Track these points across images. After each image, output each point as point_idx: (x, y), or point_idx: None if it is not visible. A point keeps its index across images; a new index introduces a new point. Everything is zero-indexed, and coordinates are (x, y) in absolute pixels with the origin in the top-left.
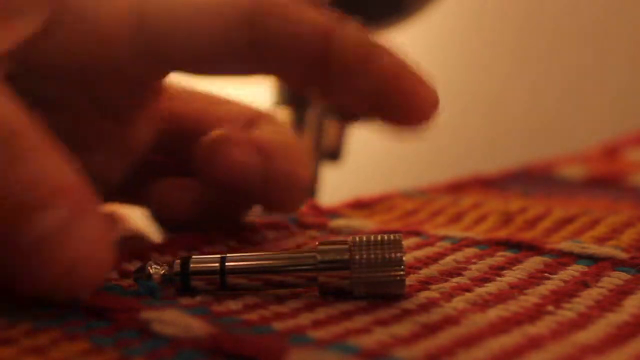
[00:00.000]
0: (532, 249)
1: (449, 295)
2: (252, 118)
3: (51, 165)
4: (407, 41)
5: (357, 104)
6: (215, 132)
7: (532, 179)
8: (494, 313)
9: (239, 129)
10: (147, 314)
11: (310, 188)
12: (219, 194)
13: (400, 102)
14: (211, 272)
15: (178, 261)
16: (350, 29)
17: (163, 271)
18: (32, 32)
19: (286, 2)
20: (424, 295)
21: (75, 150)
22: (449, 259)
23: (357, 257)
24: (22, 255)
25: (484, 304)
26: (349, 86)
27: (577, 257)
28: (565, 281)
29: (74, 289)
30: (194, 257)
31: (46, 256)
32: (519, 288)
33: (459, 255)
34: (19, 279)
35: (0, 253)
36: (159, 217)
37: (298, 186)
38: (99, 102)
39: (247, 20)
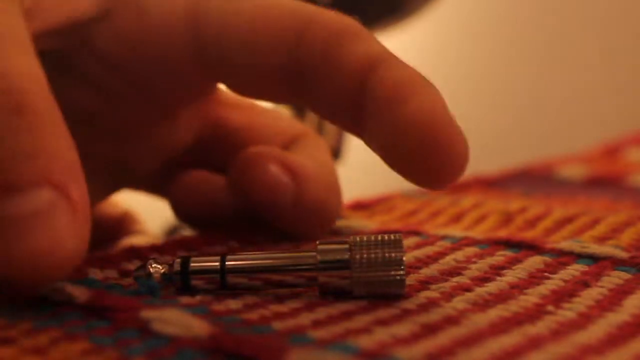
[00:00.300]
0: (532, 248)
1: (449, 295)
2: (295, 136)
3: (51, 147)
4: (407, 41)
5: (387, 149)
6: (254, 148)
7: (532, 179)
8: (494, 313)
9: (277, 148)
10: (147, 313)
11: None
12: (247, 206)
13: (429, 155)
14: (211, 271)
15: (178, 260)
16: (394, 66)
17: (163, 270)
18: (88, 13)
19: (337, 28)
20: (424, 295)
21: (110, 135)
22: (449, 258)
23: (357, 256)
24: (4, 231)
25: (484, 304)
26: (381, 129)
27: (577, 257)
28: (565, 281)
29: (35, 277)
30: (194, 256)
31: (14, 238)
32: (519, 288)
33: (459, 255)
34: None
35: None
36: (177, 208)
37: (327, 214)
38: (146, 93)
39: (294, 40)
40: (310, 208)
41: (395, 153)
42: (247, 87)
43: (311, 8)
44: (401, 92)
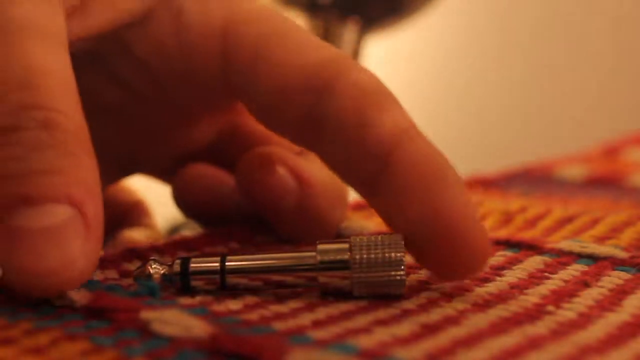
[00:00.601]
0: (532, 248)
1: (449, 296)
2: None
3: (74, 165)
4: (407, 41)
5: (400, 229)
6: (264, 148)
7: (532, 179)
8: (494, 313)
9: (288, 153)
10: (147, 314)
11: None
12: (251, 205)
13: (452, 254)
14: (211, 272)
15: (178, 261)
16: (420, 145)
17: (163, 271)
18: (129, 19)
19: (366, 89)
20: (424, 295)
21: (126, 127)
22: None
23: (357, 257)
24: (20, 242)
25: (484, 304)
26: (401, 212)
27: (577, 257)
28: (565, 281)
29: (42, 290)
30: (194, 257)
31: (26, 250)
32: (519, 288)
33: None
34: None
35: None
36: (178, 198)
37: (328, 224)
38: (171, 97)
39: (321, 92)
40: (312, 216)
41: (415, 240)
42: (266, 122)
43: (343, 59)
44: (426, 180)
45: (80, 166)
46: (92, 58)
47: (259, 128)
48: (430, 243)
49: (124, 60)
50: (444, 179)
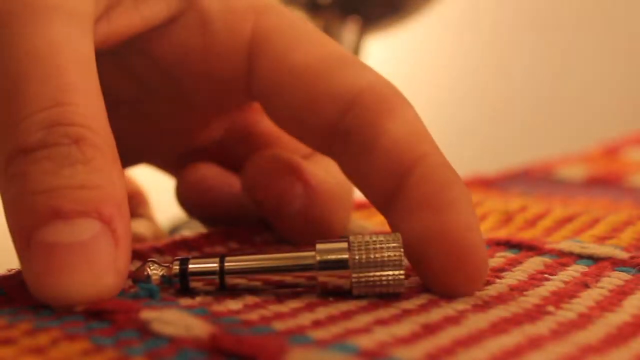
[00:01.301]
0: (532, 249)
1: (449, 296)
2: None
3: (104, 181)
4: (407, 41)
5: (411, 246)
6: (273, 151)
7: (532, 179)
8: (494, 313)
9: (297, 156)
10: (147, 314)
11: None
12: (255, 207)
13: (454, 271)
14: (210, 272)
15: (177, 262)
16: (434, 161)
17: (162, 272)
18: (155, 24)
19: (386, 105)
20: (424, 296)
21: (136, 118)
22: None
23: (356, 256)
24: (51, 256)
25: (484, 305)
26: (412, 228)
27: (577, 257)
28: (565, 282)
29: (82, 301)
30: (192, 257)
31: (55, 265)
32: (519, 289)
33: None
34: (40, 272)
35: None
36: (181, 197)
37: (331, 230)
38: (188, 97)
39: (343, 108)
40: (317, 220)
41: (420, 256)
42: (288, 129)
43: (364, 73)
44: (439, 199)
45: (109, 182)
46: (111, 54)
47: (269, 128)
48: (434, 259)
49: (142, 59)
50: (453, 200)
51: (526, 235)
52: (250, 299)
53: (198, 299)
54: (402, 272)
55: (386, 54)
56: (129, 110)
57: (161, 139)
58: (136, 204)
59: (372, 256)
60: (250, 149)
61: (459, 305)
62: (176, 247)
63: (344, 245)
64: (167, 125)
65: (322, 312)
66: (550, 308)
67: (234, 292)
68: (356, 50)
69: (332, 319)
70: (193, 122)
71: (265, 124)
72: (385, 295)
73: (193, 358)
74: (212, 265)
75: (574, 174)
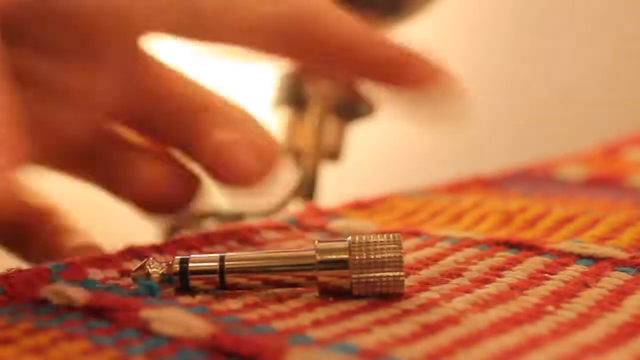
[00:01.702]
0: (532, 249)
1: (449, 296)
2: (234, 112)
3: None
4: (407, 40)
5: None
6: (225, 136)
7: (532, 179)
8: (494, 313)
9: (242, 133)
10: (147, 313)
11: (309, 189)
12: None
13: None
14: (210, 271)
15: (177, 261)
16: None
17: (162, 271)
18: None
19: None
20: (424, 296)
21: (42, 101)
22: (449, 259)
23: (356, 256)
24: None
25: (484, 305)
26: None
27: (577, 257)
28: (565, 282)
29: None
30: (193, 256)
31: None
32: (519, 289)
33: (459, 256)
34: None
35: None
36: (120, 187)
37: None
38: (97, 52)
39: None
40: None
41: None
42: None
43: None
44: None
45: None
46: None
47: (185, 89)
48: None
49: (44, 24)
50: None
51: (526, 236)
52: (250, 298)
53: (198, 298)
54: (402, 272)
55: None
56: (41, 89)
57: (69, 116)
58: (48, 217)
59: (372, 256)
60: (176, 118)
61: (459, 305)
62: (176, 247)
63: (345, 245)
64: (77, 93)
65: (321, 312)
66: (550, 308)
67: (234, 291)
68: None
69: (331, 319)
70: (100, 84)
71: (181, 88)
72: (385, 296)
73: (193, 358)
74: (212, 264)
75: (574, 174)
